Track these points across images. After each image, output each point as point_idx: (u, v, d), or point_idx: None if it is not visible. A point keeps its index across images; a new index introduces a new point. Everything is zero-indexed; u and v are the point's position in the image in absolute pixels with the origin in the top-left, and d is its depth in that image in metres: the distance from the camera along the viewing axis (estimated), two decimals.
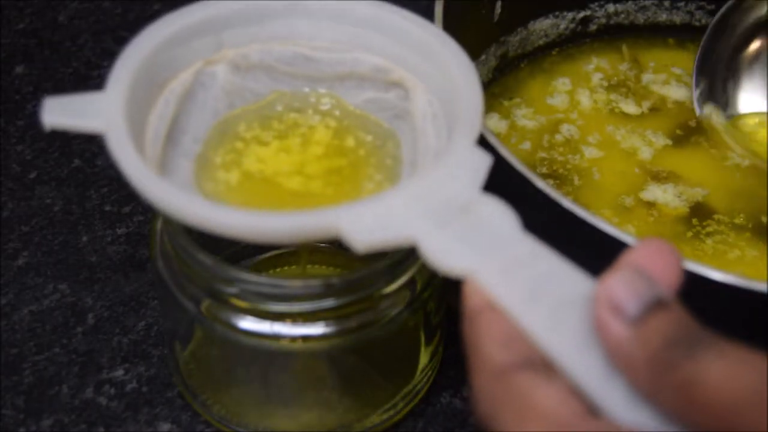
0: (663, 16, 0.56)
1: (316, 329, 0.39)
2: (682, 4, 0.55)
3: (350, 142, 0.37)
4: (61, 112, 0.33)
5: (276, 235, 0.31)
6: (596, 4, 0.55)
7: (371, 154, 0.37)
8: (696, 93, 0.51)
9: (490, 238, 0.29)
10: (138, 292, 0.49)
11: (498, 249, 0.29)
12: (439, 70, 0.36)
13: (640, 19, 0.56)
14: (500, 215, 0.30)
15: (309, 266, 0.46)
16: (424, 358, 0.43)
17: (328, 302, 0.38)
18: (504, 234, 0.29)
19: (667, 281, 0.27)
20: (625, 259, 0.27)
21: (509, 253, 0.29)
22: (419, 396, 0.44)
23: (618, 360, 0.26)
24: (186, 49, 0.37)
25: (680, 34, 0.56)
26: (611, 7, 0.55)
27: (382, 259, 0.38)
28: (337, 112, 0.38)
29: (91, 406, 0.45)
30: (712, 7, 0.55)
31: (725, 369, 0.24)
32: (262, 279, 0.37)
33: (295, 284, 0.38)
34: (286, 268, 0.47)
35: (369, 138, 0.37)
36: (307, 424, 0.42)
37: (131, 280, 0.49)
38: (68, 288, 0.49)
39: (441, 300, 0.42)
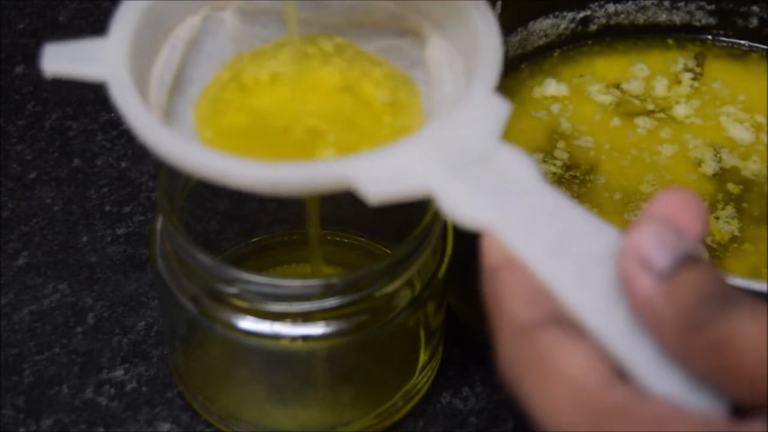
0: (663, 16, 0.56)
1: (316, 329, 0.39)
2: (682, 4, 0.55)
3: (364, 87, 0.35)
4: (62, 59, 0.31)
5: (286, 186, 0.29)
6: (596, 4, 0.55)
7: (386, 101, 0.35)
8: None
9: (510, 189, 0.28)
10: (138, 292, 0.49)
11: (519, 201, 0.27)
12: (456, 16, 0.34)
13: (640, 19, 0.56)
14: (521, 166, 0.28)
15: (306, 265, 0.46)
16: (423, 358, 0.43)
17: (328, 302, 0.38)
18: (525, 186, 0.28)
19: (694, 234, 0.26)
20: (652, 210, 0.26)
21: (530, 206, 0.27)
22: (419, 396, 0.44)
23: (646, 317, 0.25)
24: None
25: (680, 34, 0.56)
26: (611, 7, 0.55)
27: (383, 259, 0.38)
28: (349, 57, 0.36)
29: (91, 406, 0.45)
30: (712, 7, 0.55)
31: (757, 329, 0.23)
32: (262, 279, 0.37)
33: (295, 284, 0.38)
34: (294, 265, 0.46)
35: (384, 83, 0.36)
36: (306, 423, 0.42)
37: (131, 280, 0.49)
38: (68, 288, 0.49)
39: (441, 300, 0.42)
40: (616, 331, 0.25)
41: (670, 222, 0.25)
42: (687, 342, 0.24)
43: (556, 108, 0.52)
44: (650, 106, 0.52)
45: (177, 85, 0.34)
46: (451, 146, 0.29)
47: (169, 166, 0.30)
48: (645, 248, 0.25)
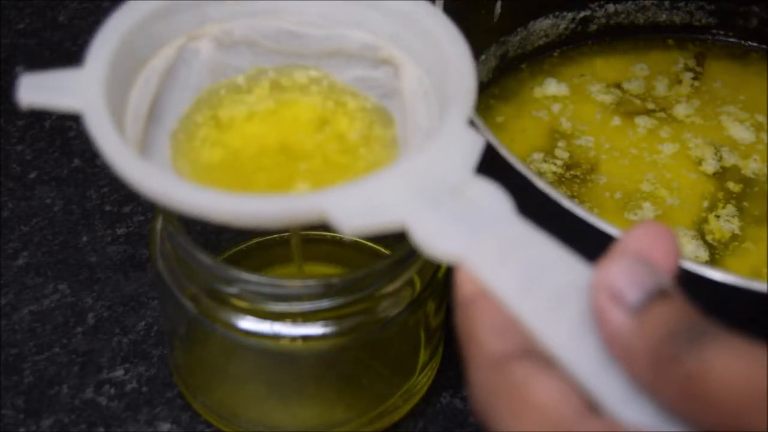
0: (663, 16, 0.56)
1: (316, 329, 0.39)
2: (682, 4, 0.55)
3: (339, 119, 0.36)
4: (38, 90, 0.31)
5: (260, 219, 0.29)
6: (596, 4, 0.55)
7: (361, 133, 0.35)
8: None
9: (483, 221, 0.28)
10: (138, 292, 0.49)
11: (491, 232, 0.28)
12: (430, 47, 0.34)
13: (640, 19, 0.56)
14: (493, 198, 0.29)
15: (306, 265, 0.46)
16: (423, 358, 0.43)
17: (328, 302, 0.38)
18: (497, 217, 0.28)
19: (667, 268, 0.26)
20: (623, 244, 0.26)
21: (502, 237, 0.28)
22: (419, 396, 0.44)
23: (617, 351, 0.25)
24: (168, 24, 0.35)
25: (680, 34, 0.56)
26: (611, 7, 0.55)
27: (383, 259, 0.38)
28: (325, 87, 0.36)
29: (91, 406, 0.45)
30: (712, 7, 0.55)
31: (730, 363, 0.23)
32: (262, 279, 0.37)
33: (295, 284, 0.38)
34: (294, 265, 0.46)
35: (359, 116, 0.36)
36: (306, 423, 0.42)
37: (131, 280, 0.49)
38: (68, 288, 0.49)
39: (441, 300, 0.42)
40: (587, 362, 0.25)
41: (642, 256, 0.26)
42: (658, 375, 0.24)
43: (556, 108, 0.52)
44: (651, 106, 0.52)
45: (152, 114, 0.34)
46: (425, 179, 0.29)
47: (146, 200, 0.30)
48: (616, 282, 0.25)
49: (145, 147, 0.34)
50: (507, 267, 0.27)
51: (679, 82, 0.53)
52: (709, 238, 0.46)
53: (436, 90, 0.34)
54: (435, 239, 0.28)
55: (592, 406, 0.25)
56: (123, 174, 0.30)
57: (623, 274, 0.25)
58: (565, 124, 0.51)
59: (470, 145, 0.30)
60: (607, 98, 0.52)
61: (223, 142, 0.34)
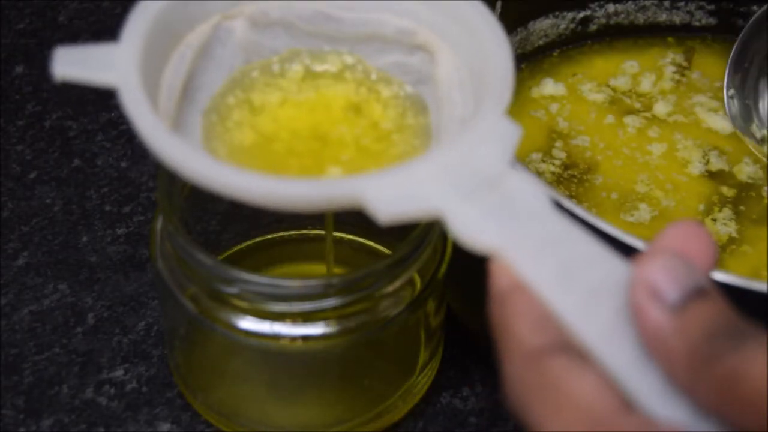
0: (663, 16, 0.56)
1: (316, 329, 0.39)
2: (682, 4, 0.55)
3: (372, 106, 0.35)
4: (73, 64, 0.31)
5: (297, 201, 0.29)
6: (596, 4, 0.55)
7: (394, 121, 0.35)
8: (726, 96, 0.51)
9: (520, 214, 0.28)
10: (138, 292, 0.49)
11: (528, 227, 0.27)
12: (469, 35, 0.34)
13: (640, 19, 0.56)
14: (531, 191, 0.28)
15: (306, 265, 0.46)
16: (423, 358, 0.43)
17: (328, 302, 0.38)
18: (535, 211, 0.28)
19: (704, 267, 0.26)
20: (661, 243, 0.26)
21: (540, 232, 0.27)
22: (419, 396, 0.44)
23: (655, 349, 0.25)
24: (203, 1, 0.35)
25: (680, 34, 0.56)
26: (611, 7, 0.55)
27: (383, 259, 0.38)
28: (359, 73, 0.36)
29: (91, 406, 0.45)
30: (712, 7, 0.55)
31: None
32: (262, 279, 0.37)
33: (295, 284, 0.38)
34: (294, 264, 0.46)
35: (392, 102, 0.35)
36: (306, 423, 0.42)
37: (131, 280, 0.49)
38: (68, 288, 0.49)
39: (441, 300, 0.42)
40: (623, 359, 0.25)
41: (680, 254, 0.26)
42: (696, 374, 0.24)
43: (554, 107, 0.52)
44: (637, 104, 0.52)
45: (186, 92, 0.34)
46: (461, 169, 0.29)
47: (176, 174, 0.30)
48: (656, 280, 0.25)
49: (177, 125, 0.33)
50: (544, 261, 0.27)
51: (661, 77, 0.53)
52: None
53: (472, 79, 0.34)
54: (472, 231, 0.28)
55: (627, 403, 0.25)
56: (157, 151, 0.30)
57: (662, 272, 0.25)
58: (562, 124, 0.51)
59: (508, 137, 0.30)
60: (599, 97, 0.52)
61: (256, 125, 0.34)
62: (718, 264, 0.45)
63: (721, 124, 0.51)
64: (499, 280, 0.27)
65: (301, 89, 0.36)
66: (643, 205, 0.47)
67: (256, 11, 0.36)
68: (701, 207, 0.47)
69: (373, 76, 0.36)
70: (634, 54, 0.55)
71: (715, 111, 0.51)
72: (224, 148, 0.33)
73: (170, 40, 0.34)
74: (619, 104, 0.52)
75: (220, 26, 0.36)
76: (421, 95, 0.36)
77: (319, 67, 0.36)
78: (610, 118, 0.51)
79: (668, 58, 0.54)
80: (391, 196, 0.28)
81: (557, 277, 0.26)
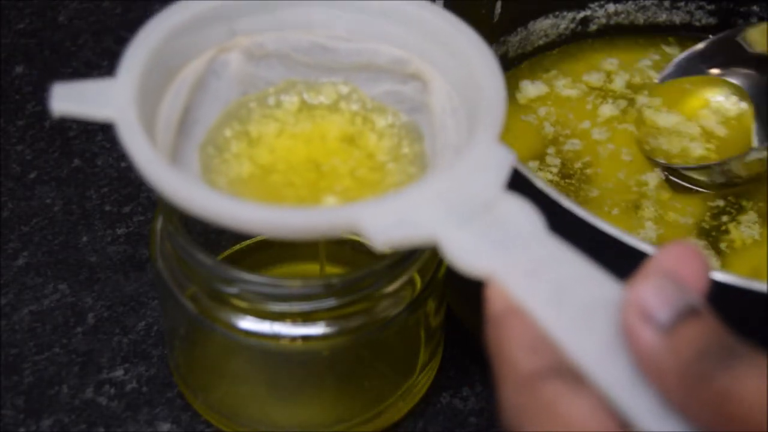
0: (663, 16, 0.56)
1: (316, 329, 0.39)
2: (682, 4, 0.55)
3: (367, 137, 0.36)
4: (70, 99, 0.32)
5: (294, 231, 0.30)
6: (596, 4, 0.55)
7: (389, 151, 0.36)
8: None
9: (513, 237, 0.28)
10: (138, 292, 0.49)
11: (522, 249, 0.28)
12: (460, 63, 0.35)
13: (640, 19, 0.56)
14: (524, 214, 0.29)
15: (306, 265, 0.46)
16: (423, 358, 0.43)
17: (328, 302, 0.38)
18: (528, 234, 0.28)
19: (697, 287, 0.26)
20: (653, 264, 0.26)
21: (533, 254, 0.28)
22: (419, 396, 0.44)
23: (647, 369, 0.25)
24: (199, 36, 0.36)
25: (680, 34, 0.56)
26: (611, 7, 0.55)
27: (383, 259, 0.38)
28: (354, 103, 0.37)
29: (91, 406, 0.45)
30: (712, 7, 0.55)
31: (761, 382, 0.23)
32: (262, 279, 0.37)
33: (295, 284, 0.38)
34: (294, 264, 0.46)
35: (387, 132, 0.36)
36: (306, 423, 0.42)
37: (131, 280, 0.50)
38: (68, 288, 0.49)
39: (441, 300, 0.42)
40: (617, 379, 0.25)
41: (672, 275, 0.26)
42: (689, 393, 0.24)
43: (543, 111, 0.51)
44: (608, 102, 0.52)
45: (182, 126, 0.35)
46: (456, 195, 0.30)
47: (178, 208, 0.31)
48: (646, 301, 0.25)
49: (175, 158, 0.34)
50: (538, 284, 0.27)
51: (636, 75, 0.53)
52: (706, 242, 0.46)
53: (465, 106, 0.35)
54: (467, 255, 0.28)
55: (623, 424, 0.25)
56: (156, 184, 0.30)
57: (653, 293, 0.25)
58: (548, 129, 0.50)
59: (501, 162, 0.30)
60: (573, 93, 0.52)
61: (252, 156, 0.35)
62: (721, 263, 0.45)
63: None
64: (494, 303, 0.28)
65: (298, 120, 0.36)
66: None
67: (252, 43, 0.37)
68: (707, 258, 0.47)
69: (369, 106, 0.37)
70: (636, 53, 0.55)
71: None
72: (222, 180, 0.34)
73: (167, 74, 0.35)
74: (596, 98, 0.52)
75: (215, 59, 0.36)
76: (416, 123, 0.36)
77: (314, 99, 0.37)
78: (586, 123, 0.51)
79: (647, 59, 0.54)
80: (388, 222, 0.29)
81: (551, 298, 0.27)
